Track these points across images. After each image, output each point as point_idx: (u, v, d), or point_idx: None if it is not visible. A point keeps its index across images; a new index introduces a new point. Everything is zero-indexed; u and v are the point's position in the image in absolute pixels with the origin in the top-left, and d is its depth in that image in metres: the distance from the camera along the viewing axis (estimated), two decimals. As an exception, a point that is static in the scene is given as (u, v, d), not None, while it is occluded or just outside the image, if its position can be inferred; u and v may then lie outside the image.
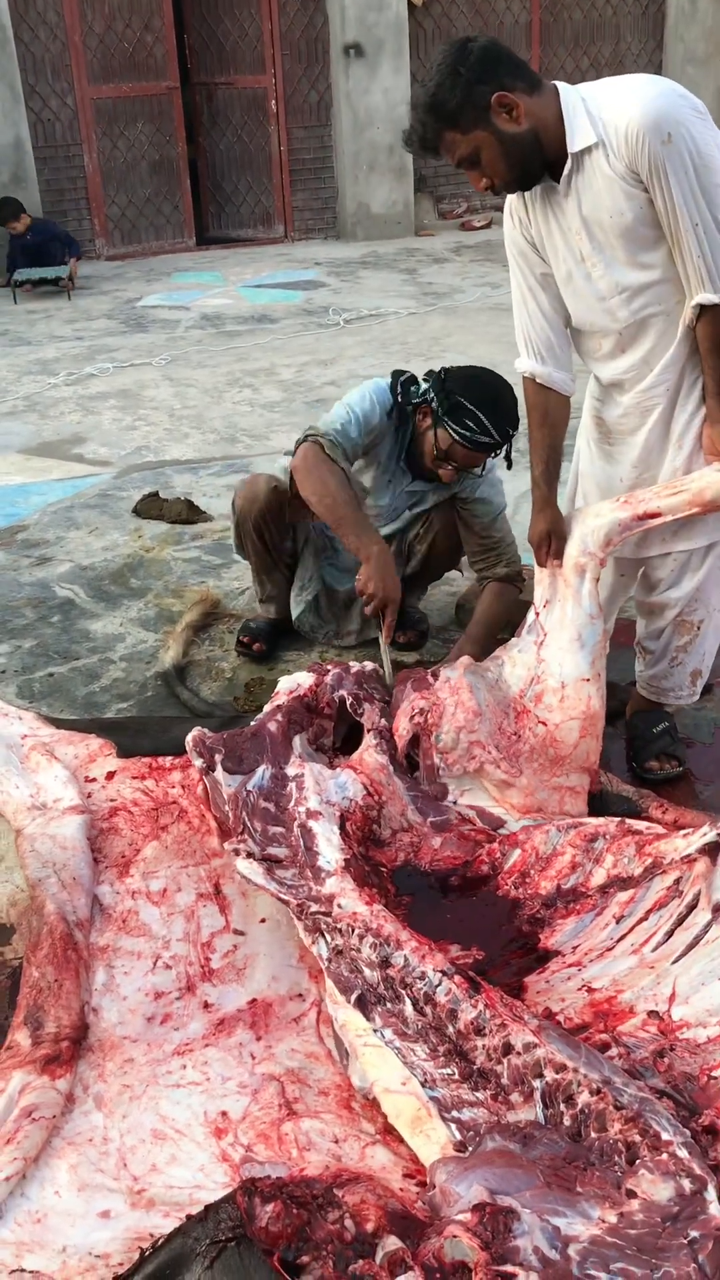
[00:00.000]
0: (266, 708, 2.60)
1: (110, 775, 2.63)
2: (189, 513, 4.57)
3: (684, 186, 2.28)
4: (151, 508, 4.64)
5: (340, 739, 2.65)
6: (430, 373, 3.15)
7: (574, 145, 2.37)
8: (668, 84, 2.36)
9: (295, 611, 3.48)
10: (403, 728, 2.68)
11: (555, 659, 2.71)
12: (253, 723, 2.53)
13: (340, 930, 2.06)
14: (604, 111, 2.34)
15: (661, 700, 2.97)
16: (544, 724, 2.68)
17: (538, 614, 2.77)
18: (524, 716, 2.71)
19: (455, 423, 3.00)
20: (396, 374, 3.17)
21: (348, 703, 2.65)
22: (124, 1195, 1.84)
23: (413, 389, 3.12)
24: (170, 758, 2.68)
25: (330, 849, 2.25)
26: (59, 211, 9.70)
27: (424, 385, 3.11)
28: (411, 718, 2.66)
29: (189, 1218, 1.61)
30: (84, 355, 7.11)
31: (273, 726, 2.48)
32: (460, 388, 3.03)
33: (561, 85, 2.42)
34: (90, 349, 7.26)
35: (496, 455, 3.14)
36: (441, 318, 7.61)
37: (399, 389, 3.12)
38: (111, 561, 4.24)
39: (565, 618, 2.71)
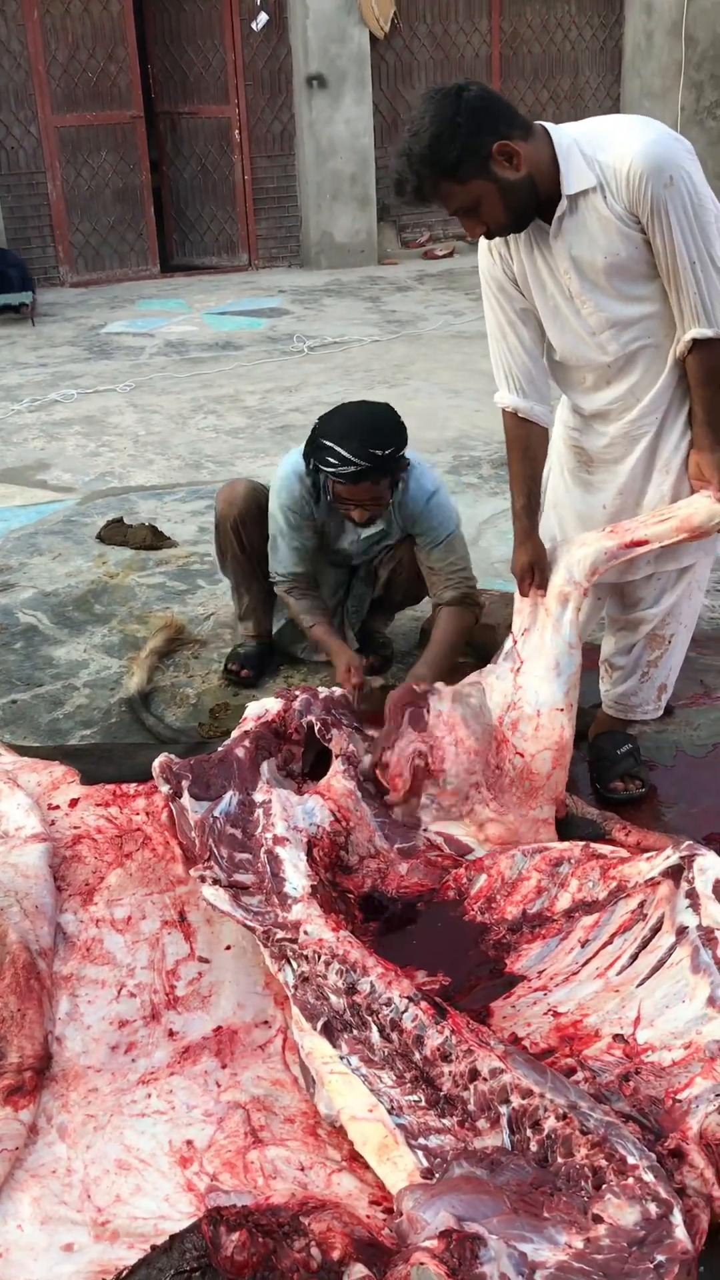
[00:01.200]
0: (235, 733, 2.60)
1: (74, 802, 2.61)
2: (153, 538, 4.57)
3: (684, 227, 2.34)
4: (116, 534, 4.63)
5: (309, 764, 2.65)
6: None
7: (570, 188, 2.39)
8: (660, 126, 2.41)
9: (275, 626, 3.52)
10: (404, 773, 2.70)
11: (532, 686, 2.73)
12: (220, 749, 2.53)
13: (306, 957, 2.05)
14: (600, 154, 2.37)
15: (628, 717, 2.99)
16: (521, 755, 2.70)
17: (515, 641, 2.80)
18: (504, 746, 2.73)
19: (321, 464, 2.97)
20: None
21: (316, 728, 2.65)
22: (88, 1227, 1.82)
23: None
24: (134, 784, 2.66)
25: (297, 875, 2.25)
26: (22, 239, 9.70)
27: None
28: (413, 762, 2.69)
29: (154, 1249, 1.59)
30: (48, 381, 7.10)
31: (240, 752, 2.48)
32: (321, 428, 3.01)
33: (549, 126, 2.43)
34: (54, 375, 7.25)
35: (382, 481, 2.99)
36: (405, 345, 7.67)
37: (306, 457, 3.10)
38: (75, 588, 4.23)
39: (544, 645, 2.74)
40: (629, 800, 2.91)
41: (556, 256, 2.48)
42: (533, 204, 2.43)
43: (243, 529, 3.34)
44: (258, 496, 3.31)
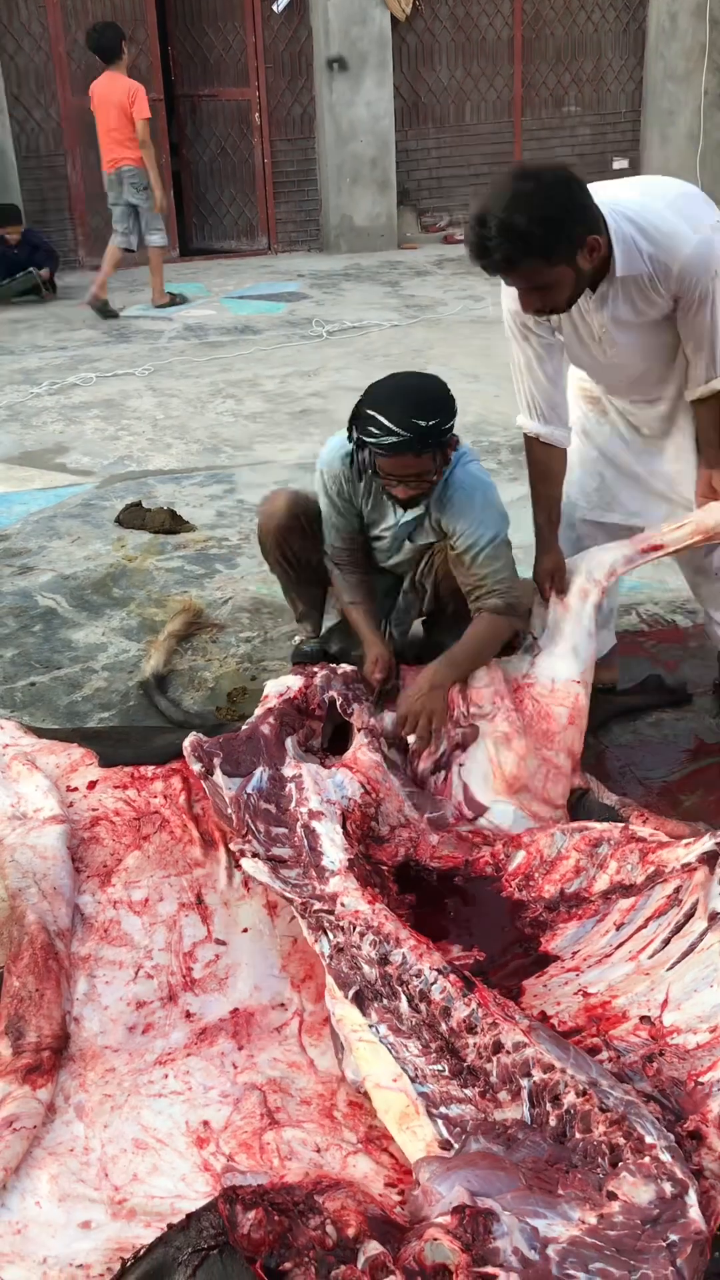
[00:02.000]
0: (257, 711, 2.63)
1: (92, 785, 2.62)
2: (172, 522, 4.58)
3: (717, 306, 2.58)
4: (134, 517, 4.64)
5: (327, 739, 2.68)
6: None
7: (620, 271, 2.52)
8: (710, 218, 2.56)
9: (324, 629, 3.42)
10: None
11: (548, 665, 2.87)
12: (245, 726, 2.55)
13: (342, 928, 2.07)
14: (655, 250, 2.50)
15: None
16: (537, 701, 2.83)
17: (535, 638, 2.94)
18: (522, 690, 2.86)
19: (364, 434, 2.78)
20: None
21: (338, 703, 2.68)
22: (105, 1205, 1.84)
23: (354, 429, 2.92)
24: (152, 767, 2.68)
25: (334, 849, 2.27)
26: (42, 222, 9.70)
27: None
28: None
29: (170, 1227, 1.61)
30: (67, 365, 7.11)
31: (266, 729, 2.50)
32: (366, 397, 2.84)
33: (605, 210, 2.49)
34: (73, 359, 7.26)
35: (424, 454, 2.78)
36: (424, 330, 7.64)
37: (351, 435, 2.92)
38: (94, 571, 4.24)
39: (562, 633, 2.89)
40: None
41: (591, 314, 2.65)
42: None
43: (285, 542, 3.21)
44: (297, 508, 3.19)
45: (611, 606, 3.29)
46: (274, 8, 9.85)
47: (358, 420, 2.79)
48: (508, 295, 2.70)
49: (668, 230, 2.50)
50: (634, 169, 11.22)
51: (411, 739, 2.78)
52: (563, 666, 2.84)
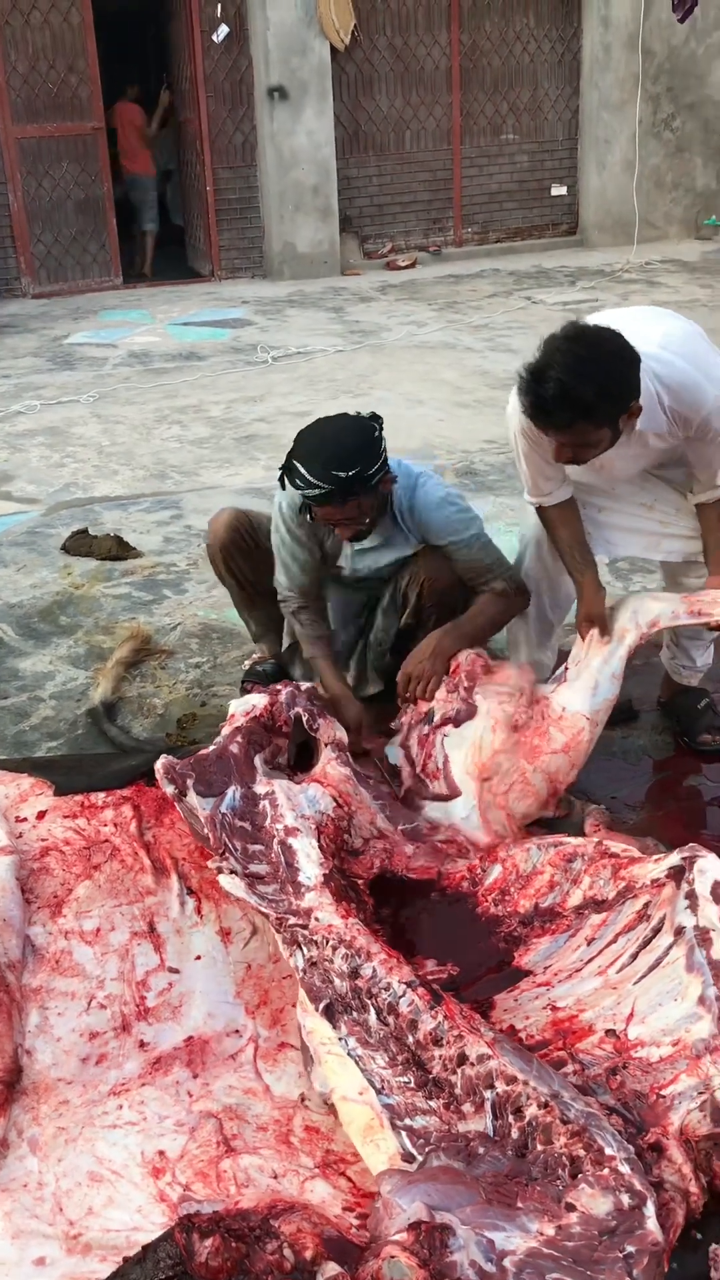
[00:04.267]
0: (224, 730, 2.63)
1: (41, 815, 2.60)
2: (119, 549, 4.56)
3: None
4: (81, 544, 4.62)
5: (293, 756, 2.68)
6: None
7: (642, 425, 2.64)
8: (717, 363, 2.70)
9: (282, 647, 3.40)
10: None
11: (565, 694, 2.84)
12: (214, 746, 2.55)
13: (316, 942, 2.08)
14: (676, 404, 2.64)
15: (690, 681, 3.26)
16: (543, 718, 2.82)
17: (567, 668, 2.91)
18: (536, 705, 2.85)
19: (293, 484, 2.84)
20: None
21: (304, 719, 2.68)
22: (60, 1241, 1.82)
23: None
24: (102, 795, 2.66)
25: (310, 864, 2.28)
26: (-17, 250, 9.68)
27: None
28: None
29: (126, 1260, 1.59)
30: (10, 393, 7.07)
31: (234, 748, 2.51)
32: (294, 446, 2.88)
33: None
34: (17, 387, 7.23)
35: (349, 502, 2.82)
36: (368, 356, 7.69)
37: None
38: (40, 599, 4.21)
39: (589, 668, 2.86)
40: (718, 751, 3.15)
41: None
42: None
43: (231, 559, 3.25)
44: (240, 524, 3.23)
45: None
46: (214, 37, 9.92)
47: (288, 471, 2.85)
48: (520, 435, 2.79)
49: (690, 386, 2.63)
50: (572, 195, 11.41)
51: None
52: (578, 699, 2.81)
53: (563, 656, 3.05)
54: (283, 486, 2.91)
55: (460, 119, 10.88)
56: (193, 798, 2.37)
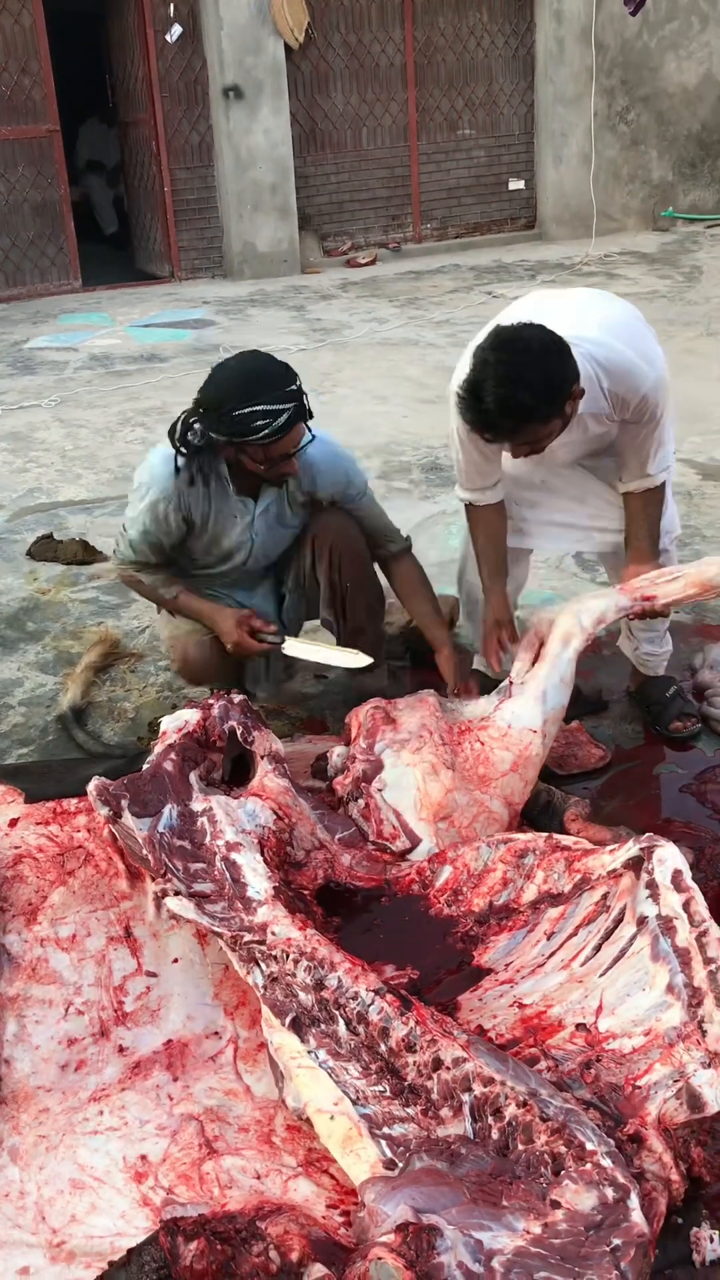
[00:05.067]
0: (157, 749, 2.59)
1: (13, 822, 2.58)
2: (85, 553, 4.53)
3: (657, 421, 2.78)
4: (46, 550, 4.59)
5: (228, 771, 2.65)
6: (188, 413, 2.83)
7: (583, 408, 2.65)
8: (657, 349, 2.75)
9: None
10: (359, 718, 2.81)
11: (511, 708, 2.79)
12: (147, 765, 2.52)
13: (275, 957, 2.06)
14: (614, 385, 2.67)
15: (655, 672, 3.29)
16: (481, 744, 2.75)
17: (511, 682, 2.87)
18: (465, 734, 2.79)
19: (250, 434, 2.71)
20: (171, 431, 2.87)
21: (238, 733, 2.65)
22: (43, 1249, 1.81)
23: (190, 435, 2.81)
24: (75, 801, 2.64)
25: (257, 878, 2.25)
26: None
27: (196, 427, 2.80)
28: (373, 710, 2.83)
29: (111, 1265, 1.58)
30: (-29, 399, 7.02)
31: (169, 766, 2.47)
32: (222, 402, 2.73)
33: (574, 352, 2.57)
34: (-23, 393, 7.18)
35: (304, 420, 2.78)
36: (331, 354, 7.69)
37: (179, 445, 2.84)
38: (6, 606, 4.18)
39: (536, 677, 2.82)
40: (692, 737, 3.19)
41: None
42: None
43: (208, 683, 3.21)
44: (202, 671, 3.17)
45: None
46: (167, 38, 9.88)
47: (230, 424, 2.71)
48: (458, 413, 2.75)
49: (628, 368, 2.66)
50: (530, 189, 11.45)
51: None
52: (525, 712, 2.76)
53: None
54: (201, 449, 2.78)
55: (416, 115, 10.89)
56: (128, 819, 2.33)
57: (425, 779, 2.66)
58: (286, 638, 2.98)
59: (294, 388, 2.73)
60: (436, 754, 2.69)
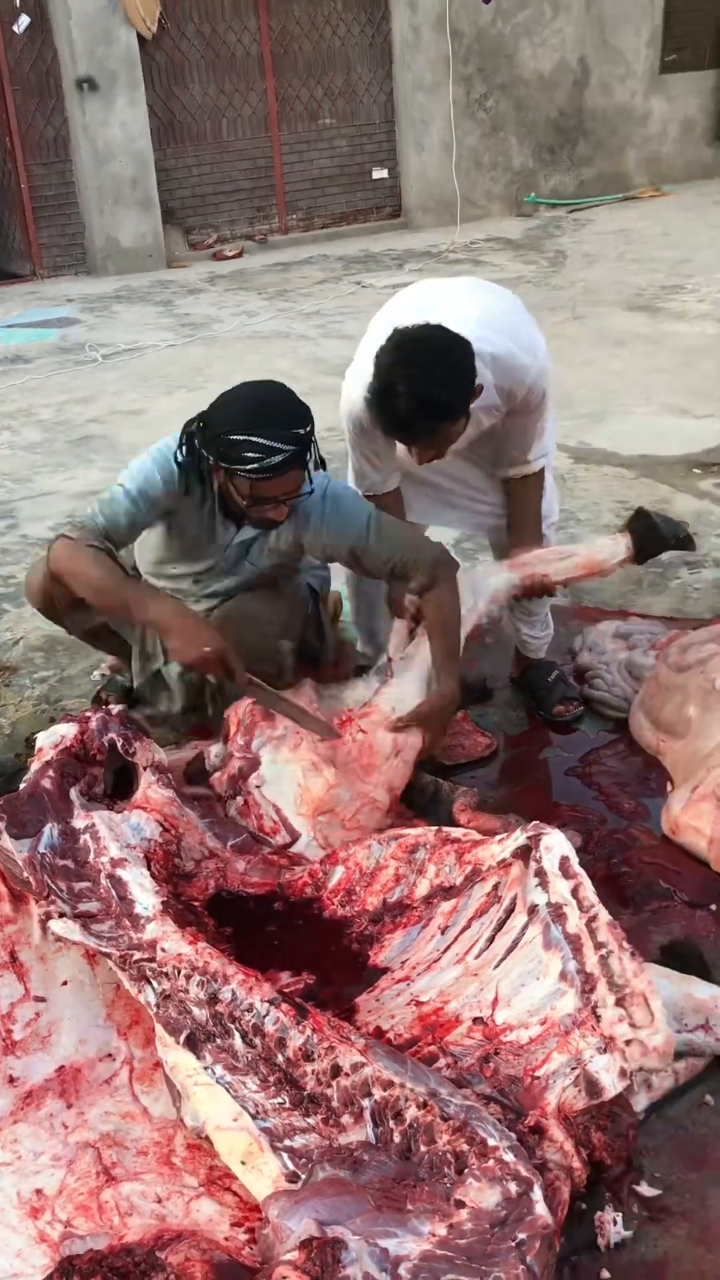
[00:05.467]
0: (34, 766, 2.51)
1: None
2: (-47, 564, 4.39)
3: (539, 410, 2.82)
4: None
5: (109, 785, 2.58)
6: (189, 423, 2.69)
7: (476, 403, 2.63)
8: (539, 341, 2.78)
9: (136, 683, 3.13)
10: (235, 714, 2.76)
11: (394, 693, 2.78)
12: (24, 784, 2.44)
13: (166, 974, 2.01)
14: (500, 380, 2.67)
15: (538, 656, 3.31)
16: (364, 732, 2.73)
17: (390, 659, 2.85)
18: (347, 725, 2.76)
19: (238, 463, 2.53)
20: (185, 433, 2.70)
21: (118, 745, 2.58)
22: (-63, 1296, 1.73)
23: (190, 442, 2.67)
24: (-50, 824, 2.54)
25: (144, 894, 2.20)
26: None
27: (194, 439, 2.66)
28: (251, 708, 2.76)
29: (6, 1311, 1.52)
30: None
31: (47, 783, 2.40)
32: (223, 423, 2.57)
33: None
34: None
35: (305, 465, 2.61)
36: (201, 348, 7.59)
37: (183, 452, 2.67)
38: None
39: (421, 657, 2.80)
40: (574, 720, 3.21)
41: None
42: None
43: (59, 618, 2.98)
44: (45, 594, 2.87)
45: None
46: (15, 28, 9.61)
47: (224, 449, 2.54)
48: (354, 394, 2.73)
49: (513, 364, 2.67)
50: (393, 178, 11.46)
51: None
52: (409, 695, 2.73)
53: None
54: (200, 470, 2.62)
55: (276, 105, 10.81)
56: (6, 841, 2.25)
57: (306, 775, 2.65)
58: (253, 678, 2.69)
59: (301, 431, 2.54)
60: (316, 750, 2.67)
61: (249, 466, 2.53)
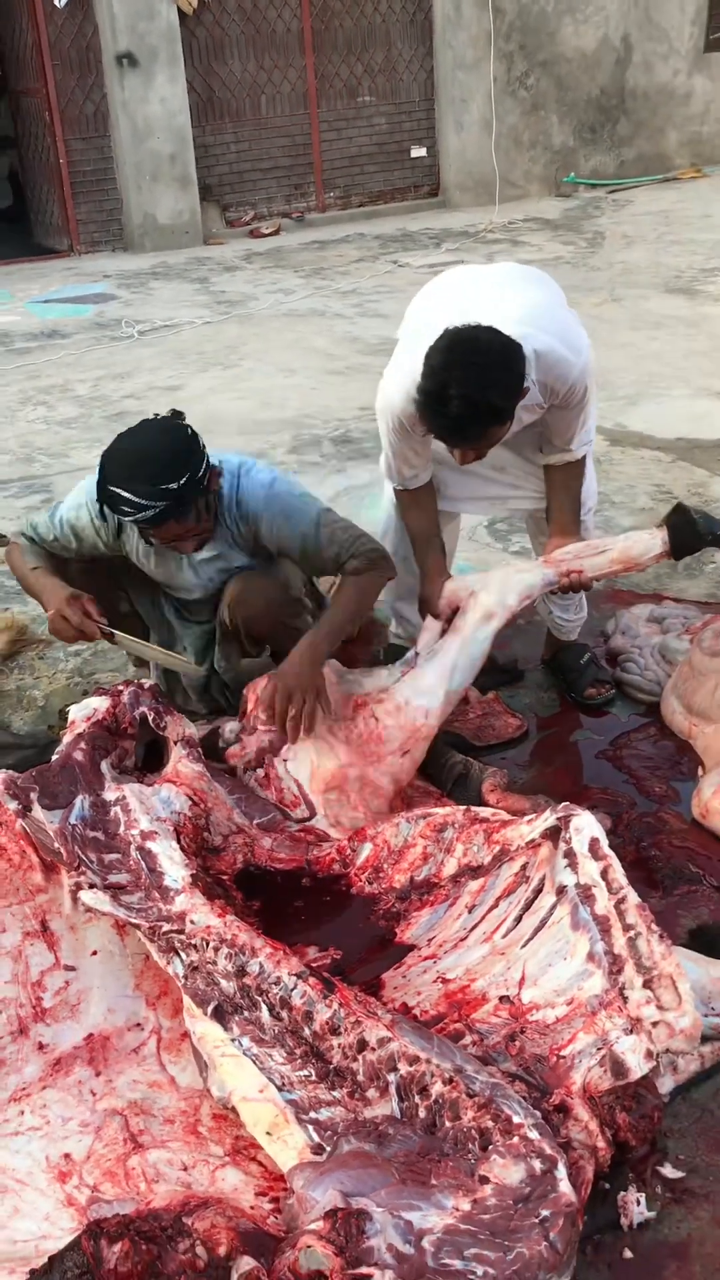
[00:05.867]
0: (66, 738, 2.53)
1: None
2: (-12, 538, 4.42)
3: (584, 404, 2.78)
4: (-52, 535, 4.46)
5: (140, 758, 2.60)
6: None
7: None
8: (583, 337, 2.74)
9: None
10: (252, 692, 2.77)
11: (411, 684, 2.75)
12: (57, 755, 2.46)
13: (195, 946, 2.03)
14: (543, 376, 2.64)
15: (570, 638, 3.29)
16: (375, 719, 2.72)
17: (417, 653, 2.83)
18: (361, 709, 2.75)
19: (119, 513, 2.60)
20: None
21: (150, 719, 2.60)
22: (-34, 1256, 1.76)
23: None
24: (-17, 794, 2.57)
25: (174, 866, 2.22)
26: None
27: None
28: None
29: (33, 1273, 1.55)
30: None
31: (79, 755, 2.42)
32: (106, 476, 2.60)
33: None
34: None
35: (190, 512, 2.63)
36: (237, 326, 7.59)
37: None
38: None
39: (446, 652, 2.77)
40: (606, 703, 3.21)
41: None
42: None
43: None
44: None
45: None
46: (56, 3, 9.60)
47: (108, 500, 2.59)
48: (393, 393, 2.70)
49: (556, 360, 2.64)
50: (432, 157, 11.39)
51: (263, 719, 2.68)
52: (426, 688, 2.72)
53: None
54: (103, 518, 2.70)
55: (316, 82, 10.75)
56: (38, 812, 2.27)
57: (319, 754, 2.66)
58: (115, 631, 2.80)
59: (171, 487, 2.54)
60: (331, 732, 2.69)
61: (126, 519, 2.62)
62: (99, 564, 2.93)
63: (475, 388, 2.43)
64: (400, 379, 2.66)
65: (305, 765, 2.67)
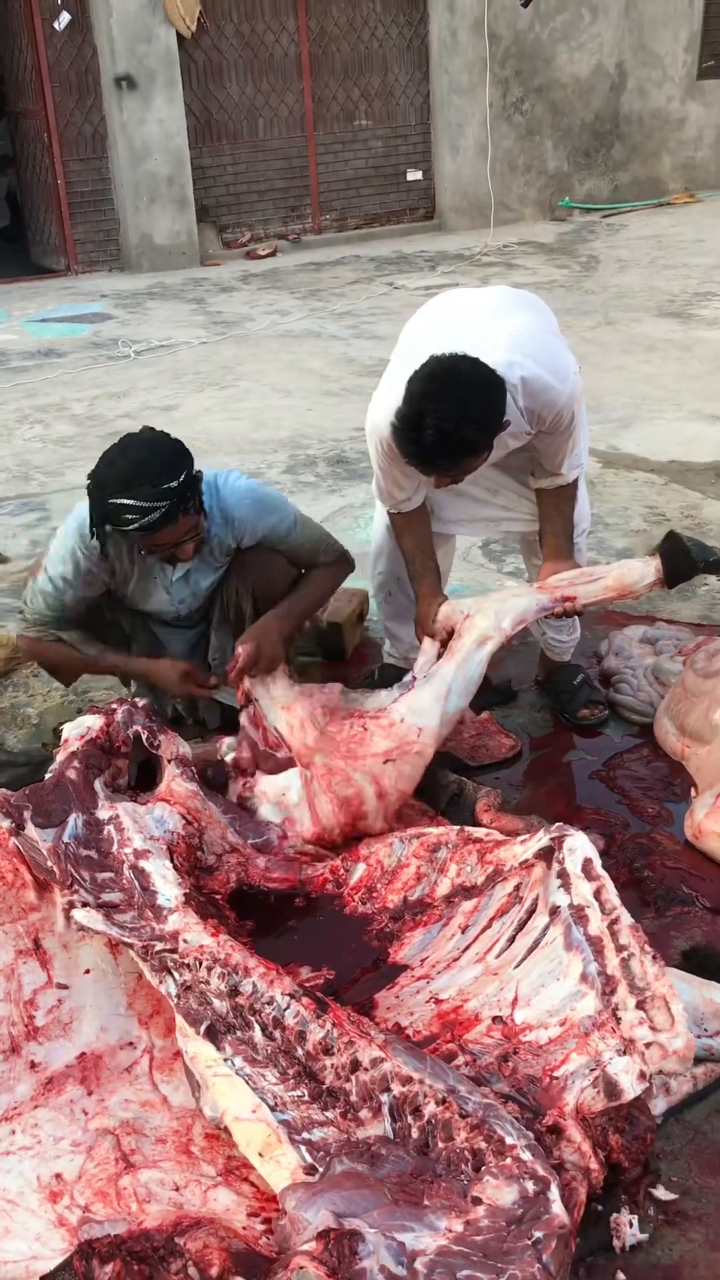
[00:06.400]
0: (60, 756, 2.53)
1: None
2: (-16, 556, 4.43)
3: (573, 426, 2.78)
4: (-57, 553, 4.47)
5: (133, 777, 2.60)
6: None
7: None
8: (570, 363, 2.74)
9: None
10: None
11: (408, 703, 2.75)
12: (50, 774, 2.46)
13: (188, 965, 2.03)
14: (529, 402, 2.64)
15: (564, 659, 3.31)
16: (364, 728, 2.73)
17: (415, 678, 2.83)
18: (351, 717, 2.77)
19: (121, 524, 2.65)
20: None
21: (143, 738, 2.60)
22: (-44, 1277, 1.75)
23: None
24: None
25: (167, 885, 2.22)
26: None
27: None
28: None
29: (25, 1292, 1.54)
30: None
31: (72, 774, 2.42)
32: (101, 487, 2.67)
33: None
34: None
35: (189, 511, 2.71)
36: (233, 346, 7.62)
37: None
38: None
39: (442, 674, 2.77)
40: (599, 724, 3.22)
41: None
42: None
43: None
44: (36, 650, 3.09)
45: None
46: (55, 25, 9.67)
47: (109, 513, 2.65)
48: (379, 418, 2.71)
49: (542, 387, 2.64)
50: (428, 180, 11.46)
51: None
52: (422, 709, 2.72)
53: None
54: (98, 535, 2.74)
55: (312, 105, 10.83)
56: (32, 830, 2.27)
57: (291, 729, 2.71)
58: (223, 687, 2.96)
59: (173, 485, 2.62)
60: (309, 711, 2.72)
61: (131, 527, 2.65)
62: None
63: (451, 420, 2.44)
64: (388, 402, 2.65)
65: (282, 720, 2.72)
